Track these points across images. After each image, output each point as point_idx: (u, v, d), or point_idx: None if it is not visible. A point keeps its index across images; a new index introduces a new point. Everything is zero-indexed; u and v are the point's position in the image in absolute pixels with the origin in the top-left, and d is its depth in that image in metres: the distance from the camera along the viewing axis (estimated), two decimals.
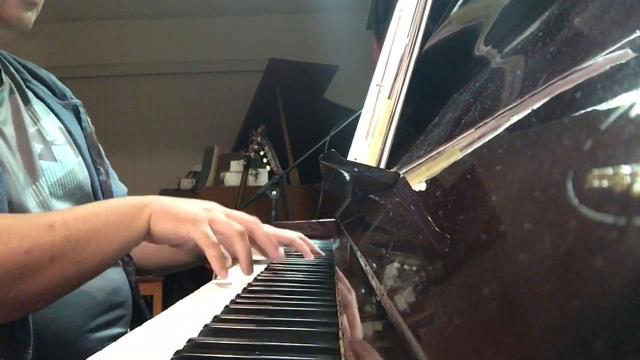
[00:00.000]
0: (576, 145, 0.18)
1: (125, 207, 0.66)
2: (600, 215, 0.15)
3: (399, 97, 0.66)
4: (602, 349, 0.12)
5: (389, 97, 0.68)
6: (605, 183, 0.15)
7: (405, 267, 0.33)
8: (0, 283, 0.54)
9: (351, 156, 0.77)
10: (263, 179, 2.53)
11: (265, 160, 2.45)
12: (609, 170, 0.15)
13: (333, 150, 0.55)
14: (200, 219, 0.67)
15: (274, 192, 2.16)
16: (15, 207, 0.67)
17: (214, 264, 0.66)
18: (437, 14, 0.71)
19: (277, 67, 2.75)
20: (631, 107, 0.16)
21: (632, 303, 0.12)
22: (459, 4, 0.69)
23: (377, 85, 0.75)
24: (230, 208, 0.76)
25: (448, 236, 0.26)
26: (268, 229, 0.89)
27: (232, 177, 2.60)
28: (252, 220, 0.74)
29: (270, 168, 2.45)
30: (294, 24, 3.82)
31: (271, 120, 2.57)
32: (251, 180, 2.53)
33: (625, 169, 0.15)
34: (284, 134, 2.65)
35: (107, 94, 3.90)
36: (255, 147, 2.42)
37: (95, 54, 3.82)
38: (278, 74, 2.74)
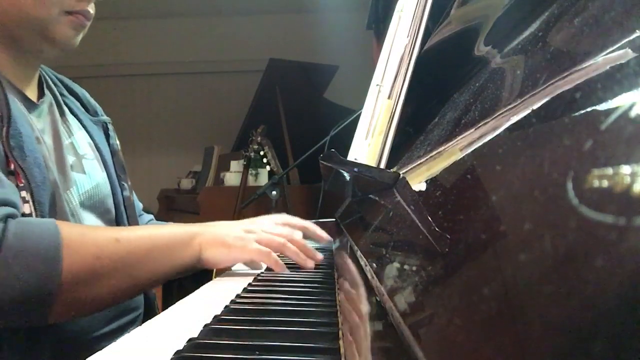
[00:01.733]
0: (576, 145, 0.18)
1: (180, 234, 0.73)
2: (600, 215, 0.15)
3: (399, 97, 0.66)
4: (602, 349, 0.12)
5: (389, 97, 0.68)
6: (605, 183, 0.15)
7: (405, 267, 0.33)
8: (71, 284, 0.59)
9: (351, 156, 0.77)
10: (263, 179, 2.52)
11: (265, 160, 2.45)
12: (609, 170, 0.15)
13: (333, 150, 0.55)
14: (247, 240, 0.75)
15: (274, 192, 2.16)
16: (57, 209, 0.71)
17: (276, 268, 0.75)
18: (437, 14, 0.71)
19: (277, 67, 2.74)
20: (631, 107, 0.16)
21: (632, 303, 0.12)
22: (459, 3, 0.69)
23: (377, 85, 0.75)
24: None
25: (448, 236, 0.26)
26: (280, 217, 0.91)
27: (232, 177, 2.60)
28: (287, 232, 0.81)
29: (270, 168, 2.44)
30: (294, 24, 3.82)
31: (271, 120, 2.57)
32: (251, 180, 2.53)
33: (625, 169, 0.15)
34: (284, 134, 2.64)
35: (106, 94, 3.88)
36: (255, 147, 2.41)
37: (94, 54, 3.82)
38: (278, 74, 2.74)
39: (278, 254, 0.78)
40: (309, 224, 0.93)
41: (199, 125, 4.02)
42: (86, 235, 0.63)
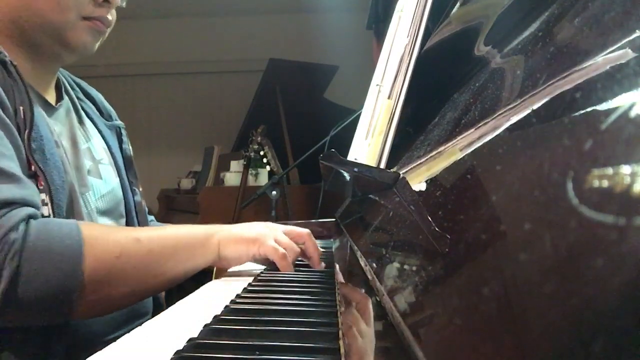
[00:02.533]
0: (576, 145, 0.18)
1: (199, 233, 0.73)
2: (600, 215, 0.15)
3: (399, 97, 0.66)
4: (602, 349, 0.12)
5: (389, 97, 0.68)
6: (605, 183, 0.15)
7: (405, 267, 0.33)
8: (93, 282, 0.60)
9: (351, 156, 0.77)
10: (263, 179, 2.52)
11: (265, 160, 2.44)
12: (609, 170, 0.15)
13: (333, 150, 0.55)
14: (266, 237, 0.76)
15: (274, 192, 2.15)
16: (75, 212, 0.72)
17: (283, 270, 0.76)
18: (437, 14, 0.71)
19: (277, 67, 2.74)
20: (631, 107, 0.16)
21: (632, 303, 0.12)
22: (459, 4, 0.69)
23: (377, 85, 0.75)
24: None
25: (448, 236, 0.26)
26: (282, 227, 0.91)
27: (232, 177, 2.60)
28: (306, 232, 0.82)
29: (270, 168, 2.44)
30: (294, 24, 3.82)
31: (271, 120, 2.57)
32: (251, 180, 2.52)
33: (625, 169, 0.15)
34: (284, 134, 2.64)
35: (107, 94, 3.86)
36: (255, 147, 2.41)
37: (95, 54, 3.82)
38: (278, 74, 2.74)
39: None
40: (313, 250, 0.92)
41: (199, 125, 4.02)
42: (107, 235, 0.64)
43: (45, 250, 0.57)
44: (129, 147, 0.95)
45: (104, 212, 0.81)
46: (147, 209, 1.04)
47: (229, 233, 0.75)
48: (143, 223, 0.91)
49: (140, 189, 0.94)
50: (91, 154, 0.83)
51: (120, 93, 3.97)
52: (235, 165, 2.63)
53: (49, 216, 0.65)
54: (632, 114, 0.16)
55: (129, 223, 0.88)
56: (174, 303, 0.61)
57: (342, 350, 0.39)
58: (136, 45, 3.98)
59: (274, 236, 0.77)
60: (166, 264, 0.68)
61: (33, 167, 0.65)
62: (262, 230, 0.77)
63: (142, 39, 3.99)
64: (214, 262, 0.74)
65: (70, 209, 0.71)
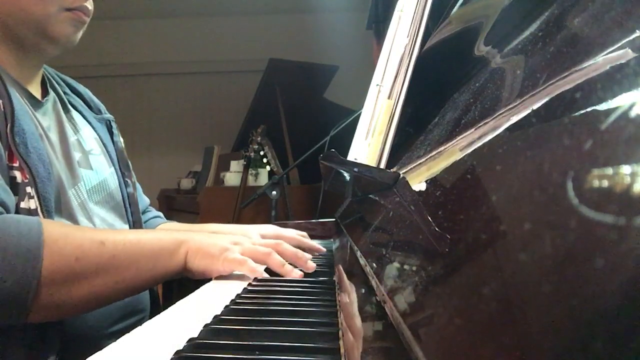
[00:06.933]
0: (576, 145, 0.18)
1: (167, 241, 0.71)
2: (600, 215, 0.15)
3: (399, 97, 0.66)
4: (602, 349, 0.12)
5: (389, 97, 0.68)
6: (605, 183, 0.15)
7: (405, 267, 0.33)
8: (50, 284, 0.58)
9: (351, 156, 0.77)
10: (263, 179, 2.52)
11: (265, 160, 2.45)
12: (609, 170, 0.15)
13: (333, 150, 0.55)
14: (229, 251, 0.72)
15: (274, 192, 2.15)
16: (62, 203, 0.72)
17: (251, 274, 0.71)
18: (437, 14, 0.71)
19: (277, 67, 2.74)
20: (631, 107, 0.16)
21: (632, 303, 0.12)
22: (459, 4, 0.69)
23: (377, 85, 0.75)
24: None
25: (448, 236, 0.26)
26: (271, 229, 0.91)
27: (232, 177, 2.60)
28: (277, 242, 0.79)
29: (270, 168, 2.44)
30: (294, 24, 3.82)
31: (271, 120, 2.57)
32: (251, 180, 2.52)
33: (625, 169, 0.15)
34: (284, 134, 2.64)
35: (106, 94, 3.86)
36: (255, 147, 2.41)
37: (95, 54, 3.82)
38: (278, 74, 2.74)
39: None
40: (301, 239, 0.92)
41: (199, 125, 4.02)
42: (69, 236, 0.61)
43: (2, 249, 0.55)
44: (120, 140, 0.95)
45: (98, 203, 0.81)
46: (147, 201, 1.04)
47: (199, 244, 0.72)
48: (135, 215, 0.91)
49: (133, 180, 0.94)
50: (80, 145, 0.83)
51: (120, 93, 3.97)
52: (235, 165, 2.63)
53: (35, 209, 0.65)
54: (632, 114, 0.16)
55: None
56: (174, 303, 0.61)
57: (342, 350, 0.39)
58: (136, 45, 3.98)
59: (240, 250, 0.73)
60: (129, 271, 0.65)
61: (17, 161, 0.65)
62: (228, 246, 0.73)
63: (142, 39, 3.99)
64: (180, 273, 0.72)
65: (59, 202, 0.71)
